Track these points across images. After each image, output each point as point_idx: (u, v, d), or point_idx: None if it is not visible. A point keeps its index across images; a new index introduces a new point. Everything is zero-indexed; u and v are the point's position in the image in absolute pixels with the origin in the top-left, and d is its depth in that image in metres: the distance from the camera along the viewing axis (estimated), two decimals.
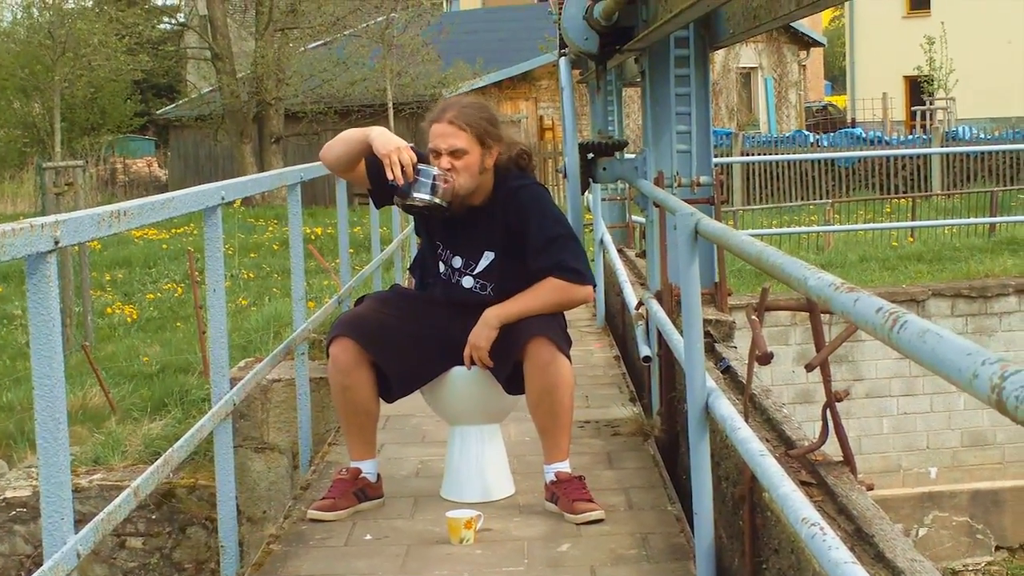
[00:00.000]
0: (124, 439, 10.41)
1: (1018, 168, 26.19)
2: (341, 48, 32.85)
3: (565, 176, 7.56)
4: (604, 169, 7.43)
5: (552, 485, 5.38)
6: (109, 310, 17.32)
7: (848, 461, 4.19)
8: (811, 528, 2.87)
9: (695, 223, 4.00)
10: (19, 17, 36.46)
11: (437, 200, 5.18)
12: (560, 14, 7.09)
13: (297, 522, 5.44)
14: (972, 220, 17.98)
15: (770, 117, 41.31)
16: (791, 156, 26.64)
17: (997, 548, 13.84)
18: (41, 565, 3.19)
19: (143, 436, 10.47)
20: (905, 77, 43.66)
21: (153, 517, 9.71)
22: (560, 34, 7.33)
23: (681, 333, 4.39)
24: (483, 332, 5.26)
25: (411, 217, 6.37)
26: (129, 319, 16.83)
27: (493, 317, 5.25)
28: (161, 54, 35.11)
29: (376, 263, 9.42)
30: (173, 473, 9.42)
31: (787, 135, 33.29)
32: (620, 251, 10.89)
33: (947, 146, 26.73)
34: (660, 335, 6.20)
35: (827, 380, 4.17)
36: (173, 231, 23.96)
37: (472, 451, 5.59)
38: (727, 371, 5.82)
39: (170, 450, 4.35)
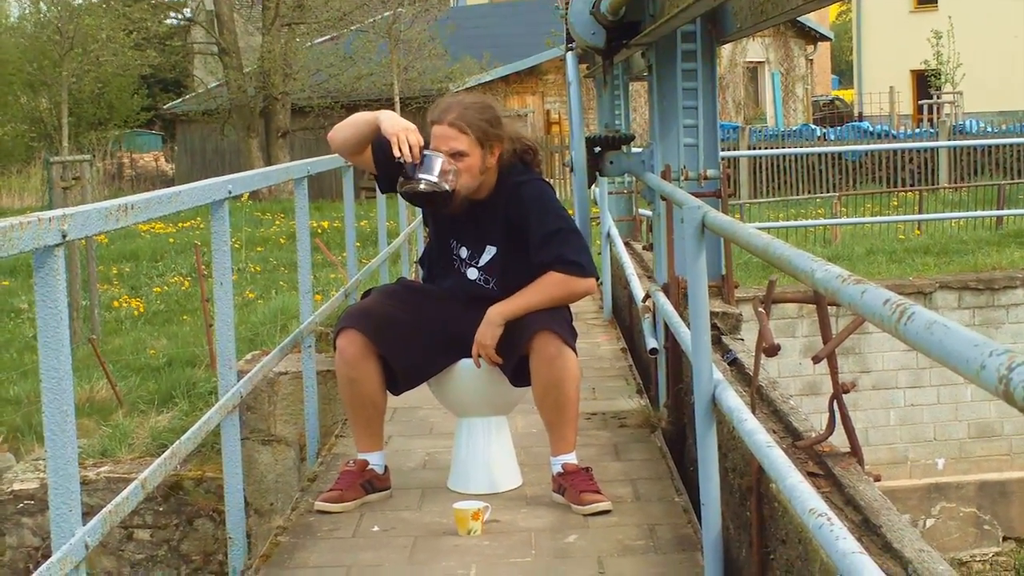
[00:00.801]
0: (131, 432, 10.44)
1: None
2: (348, 43, 32.85)
3: (572, 170, 7.56)
4: (611, 163, 7.43)
5: (559, 477, 5.39)
6: (116, 303, 17.35)
7: (855, 452, 4.19)
8: (818, 519, 2.88)
9: (702, 216, 4.00)
10: (27, 12, 36.50)
11: (444, 184, 5.18)
12: (567, 9, 7.10)
13: (304, 514, 5.45)
14: (979, 213, 17.96)
15: (777, 111, 41.27)
16: (798, 150, 26.64)
17: (1004, 539, 13.83)
18: (49, 557, 3.20)
19: (150, 429, 10.50)
20: (912, 71, 43.60)
21: (161, 509, 9.74)
22: (567, 29, 7.33)
23: (688, 325, 4.40)
24: (488, 331, 5.27)
25: (418, 209, 6.38)
26: (136, 312, 16.85)
27: (497, 315, 5.26)
28: (168, 49, 35.13)
29: (383, 256, 9.42)
30: (180, 465, 9.45)
31: (794, 129, 33.25)
32: (627, 244, 10.90)
33: (954, 139, 26.70)
34: (667, 327, 6.21)
35: (834, 372, 4.17)
36: (180, 225, 23.99)
37: (479, 443, 5.60)
38: (734, 363, 5.82)
39: (177, 442, 4.36)
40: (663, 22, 5.82)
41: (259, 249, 21.21)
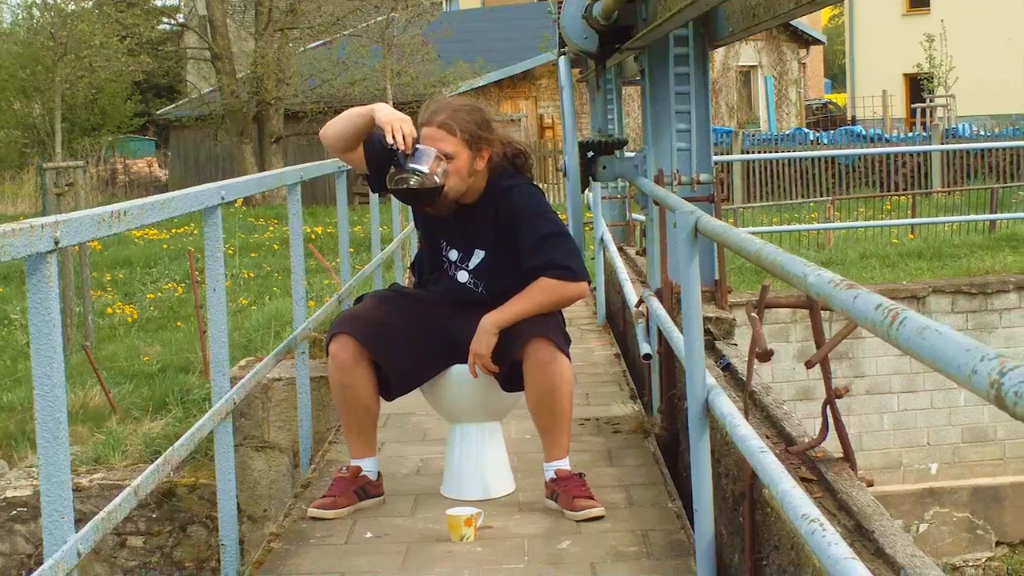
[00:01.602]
0: (125, 438, 10.43)
1: (1018, 165, 26.17)
2: (341, 48, 32.84)
3: (565, 174, 7.56)
4: (604, 167, 7.44)
5: (552, 482, 5.39)
6: (109, 310, 17.32)
7: (848, 457, 4.19)
8: (811, 524, 2.88)
9: (695, 221, 4.00)
10: (20, 18, 36.48)
11: (435, 177, 5.18)
12: (559, 13, 7.09)
13: (298, 520, 5.45)
14: (972, 217, 17.97)
15: (770, 115, 41.30)
16: (791, 154, 26.62)
17: (997, 544, 13.84)
18: (42, 564, 3.19)
19: (144, 435, 10.49)
20: (905, 75, 43.67)
21: (154, 516, 9.73)
22: (559, 33, 7.33)
23: (681, 331, 4.40)
24: (483, 340, 5.26)
25: (411, 215, 6.37)
26: (129, 319, 16.83)
27: (491, 324, 5.25)
28: (161, 55, 35.09)
29: (376, 262, 9.42)
30: (174, 472, 9.44)
31: (787, 133, 33.25)
32: (620, 249, 10.90)
33: (947, 143, 26.72)
34: (660, 333, 6.21)
35: (827, 377, 4.17)
36: (173, 231, 23.96)
37: (472, 449, 5.60)
38: (727, 368, 5.82)
39: (170, 449, 4.35)
40: (655, 26, 5.83)
41: (253, 255, 21.19)
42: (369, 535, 5.20)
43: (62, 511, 3.22)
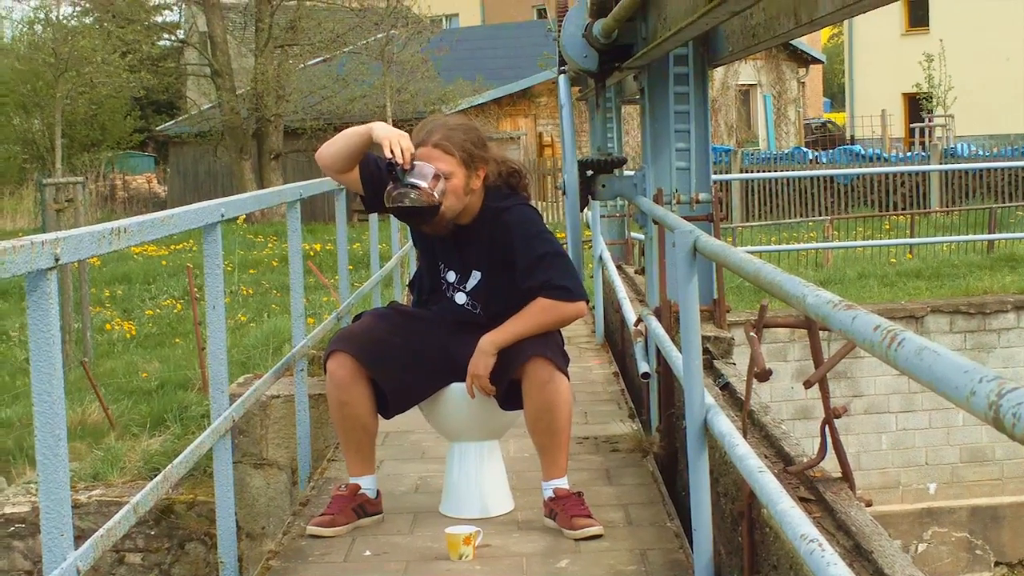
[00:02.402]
0: (123, 455, 10.42)
1: (1016, 185, 26.20)
2: (341, 65, 32.89)
3: (564, 193, 7.57)
4: (603, 186, 7.44)
5: (551, 501, 5.39)
6: (108, 326, 17.32)
7: (847, 477, 4.19)
8: (810, 544, 2.88)
9: (694, 240, 4.01)
10: (20, 33, 36.52)
11: (434, 193, 5.17)
12: (559, 31, 7.10)
13: (296, 538, 5.44)
14: (971, 237, 17.98)
15: (769, 134, 41.35)
16: (790, 173, 26.66)
17: (996, 564, 13.84)
18: None
19: (142, 452, 10.48)
20: (904, 94, 43.72)
21: (152, 533, 9.71)
22: (559, 51, 7.34)
23: (680, 350, 4.40)
24: (481, 361, 5.26)
25: (410, 233, 6.36)
26: (128, 335, 16.83)
27: (489, 344, 5.25)
28: (161, 71, 35.12)
29: (375, 280, 9.42)
30: (172, 489, 9.43)
31: (786, 152, 33.32)
32: (619, 268, 10.90)
33: (946, 163, 26.75)
34: (659, 352, 6.21)
35: (825, 396, 4.17)
36: (172, 247, 23.99)
37: (471, 467, 5.59)
38: (726, 388, 5.82)
39: (169, 466, 4.35)
40: (655, 45, 5.84)
41: (251, 271, 21.20)
42: (368, 553, 5.20)
43: (61, 528, 3.22)
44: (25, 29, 35.31)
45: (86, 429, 11.64)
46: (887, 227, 21.70)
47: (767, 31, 5.14)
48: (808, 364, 4.72)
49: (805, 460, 4.37)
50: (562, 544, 5.20)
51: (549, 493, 5.40)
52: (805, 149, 34.18)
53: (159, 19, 41.73)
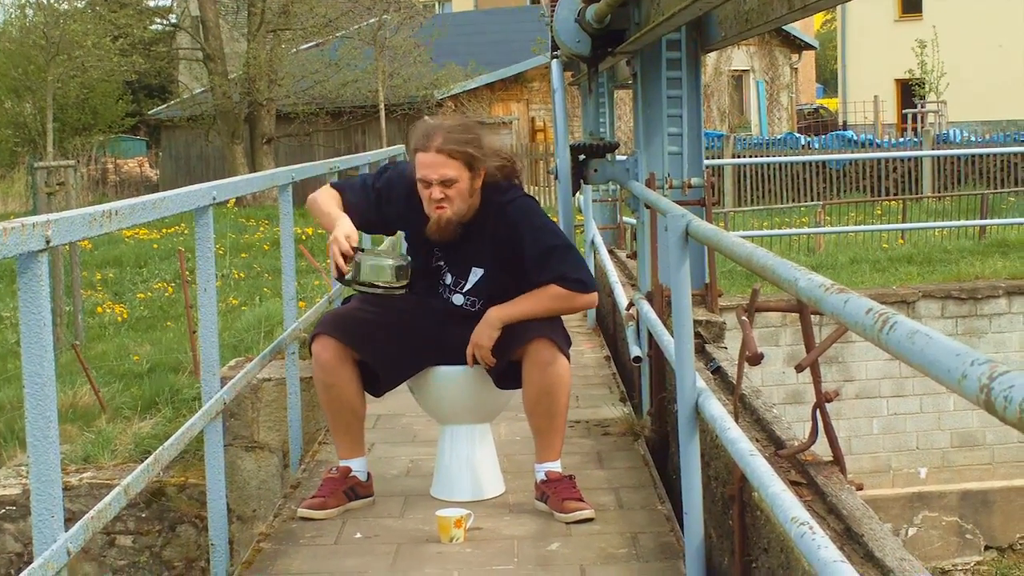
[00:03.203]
0: (114, 438, 10.41)
1: (1009, 171, 26.21)
2: (333, 49, 32.82)
3: (556, 178, 7.57)
4: (595, 171, 7.44)
5: (542, 484, 5.39)
6: (99, 309, 17.29)
7: (837, 461, 4.20)
8: (800, 527, 2.88)
9: (686, 224, 4.01)
10: (12, 17, 36.43)
11: (393, 289, 5.26)
12: (552, 16, 7.10)
13: (287, 520, 5.45)
14: (962, 222, 18.00)
15: (762, 120, 41.33)
16: (782, 158, 26.65)
17: (986, 548, 13.87)
18: (31, 563, 3.19)
19: (133, 435, 10.47)
20: (896, 80, 43.72)
21: (143, 515, 9.71)
22: (552, 36, 7.34)
23: (672, 334, 4.40)
24: (486, 331, 5.26)
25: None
26: (119, 318, 16.81)
27: (496, 318, 5.25)
28: (153, 55, 35.03)
29: None
30: (163, 471, 9.43)
31: (778, 137, 33.29)
32: (611, 252, 10.90)
33: (938, 149, 26.76)
34: (651, 336, 6.21)
35: (817, 381, 4.18)
36: (164, 231, 23.94)
37: (462, 450, 5.60)
38: (717, 371, 5.83)
39: (160, 448, 4.35)
40: (648, 30, 5.83)
41: (243, 255, 21.18)
42: (359, 536, 5.21)
43: (52, 510, 3.22)
44: (16, 13, 35.22)
45: (77, 412, 11.63)
46: (879, 212, 21.71)
47: (760, 16, 5.13)
48: (799, 348, 4.73)
49: (796, 444, 4.38)
50: (553, 527, 5.21)
51: (541, 476, 5.40)
52: (797, 135, 34.17)
53: (151, 3, 41.63)
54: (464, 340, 5.35)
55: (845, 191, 26.80)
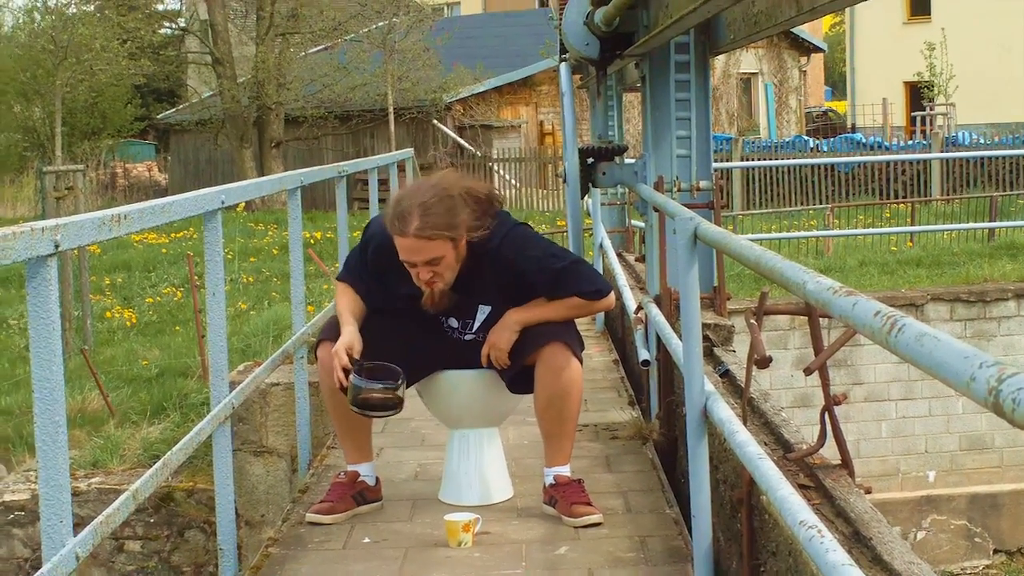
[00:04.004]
0: (123, 443, 10.42)
1: (1017, 173, 26.18)
2: (342, 53, 32.85)
3: (565, 181, 7.57)
4: (604, 174, 7.44)
5: (551, 488, 5.39)
6: (108, 314, 17.32)
7: (846, 464, 4.19)
8: (809, 531, 2.88)
9: (694, 228, 4.00)
10: (20, 22, 36.47)
11: (390, 408, 5.21)
12: (561, 19, 7.10)
13: (295, 525, 5.44)
14: (971, 225, 17.97)
15: (770, 122, 41.33)
16: (791, 161, 26.62)
17: (995, 551, 13.84)
18: (40, 568, 3.19)
19: (142, 440, 10.48)
20: (905, 83, 43.67)
21: (152, 520, 9.72)
22: (561, 39, 7.33)
23: (680, 337, 4.39)
24: (504, 334, 5.24)
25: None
26: (128, 323, 16.83)
27: (514, 322, 5.24)
28: (162, 59, 35.08)
29: None
30: (172, 476, 9.43)
31: (787, 140, 33.29)
32: (619, 255, 10.89)
33: (947, 151, 26.72)
34: (659, 339, 6.21)
35: (825, 384, 4.17)
36: (173, 235, 23.97)
37: (471, 454, 5.59)
38: (726, 375, 5.82)
39: (169, 453, 4.35)
40: (656, 33, 5.83)
41: (252, 259, 21.20)
42: (367, 540, 5.20)
43: (60, 515, 3.22)
44: (25, 18, 35.25)
45: (86, 417, 11.65)
46: (888, 215, 21.69)
47: (768, 19, 5.13)
48: (809, 352, 4.72)
49: (805, 447, 4.37)
50: (562, 531, 5.20)
51: (550, 480, 5.40)
52: (806, 137, 34.16)
53: (160, 7, 41.65)
54: (473, 346, 5.34)
55: (854, 194, 26.78)
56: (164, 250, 22.55)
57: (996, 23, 40.62)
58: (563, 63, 8.06)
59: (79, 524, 3.37)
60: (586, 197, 9.11)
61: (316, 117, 32.14)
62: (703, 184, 6.86)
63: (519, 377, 5.33)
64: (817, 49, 45.47)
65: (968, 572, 13.71)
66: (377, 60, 31.66)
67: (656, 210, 6.58)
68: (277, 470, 8.96)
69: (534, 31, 33.70)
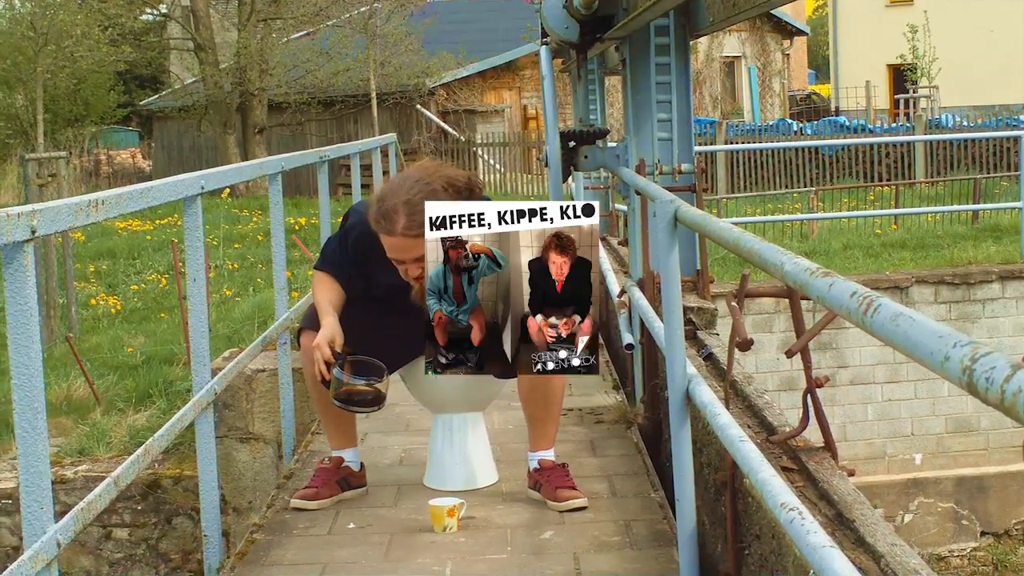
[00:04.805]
0: (109, 430, 10.41)
1: (1001, 155, 26.19)
2: (324, 38, 32.79)
3: (547, 165, 7.56)
4: (586, 157, 7.44)
5: (535, 472, 5.39)
6: (93, 301, 17.28)
7: (829, 447, 4.20)
8: (790, 513, 2.88)
9: (674, 210, 4.00)
10: (1, 8, 36.34)
11: (377, 405, 5.21)
12: (541, 3, 7.09)
13: (280, 511, 5.44)
14: (955, 207, 17.99)
15: (754, 106, 41.33)
16: (775, 144, 26.62)
17: (982, 534, 13.87)
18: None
19: (128, 427, 10.47)
20: (888, 65, 43.68)
21: (139, 508, 9.71)
22: (541, 23, 7.32)
23: (663, 320, 4.40)
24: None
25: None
26: (113, 310, 16.79)
27: None
28: (144, 45, 34.94)
29: None
30: (158, 464, 9.44)
31: (771, 124, 33.29)
32: (603, 239, 10.89)
33: (930, 134, 26.74)
34: (643, 323, 6.21)
35: (807, 366, 4.18)
36: (157, 222, 23.92)
37: (455, 439, 5.60)
38: (709, 358, 5.83)
39: (150, 439, 4.35)
40: (636, 15, 5.83)
41: (237, 246, 21.16)
42: (352, 526, 5.20)
43: (41, 501, 3.22)
44: (5, 4, 35.11)
45: (72, 404, 11.63)
46: (872, 198, 21.71)
47: (747, 1, 5.13)
48: (793, 335, 4.73)
49: (788, 430, 4.38)
50: (546, 515, 5.20)
51: (534, 464, 5.40)
52: (790, 121, 34.16)
53: None
54: None
55: (838, 177, 26.79)
56: (149, 237, 22.50)
57: (978, 6, 40.64)
58: (543, 47, 8.05)
59: (66, 512, 3.37)
60: (569, 181, 9.11)
61: (299, 103, 32.08)
62: (684, 167, 6.87)
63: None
64: (800, 32, 45.47)
65: (955, 554, 13.74)
66: (360, 45, 31.60)
67: (638, 193, 6.58)
68: (264, 456, 8.96)
69: (516, 15, 33.65)
